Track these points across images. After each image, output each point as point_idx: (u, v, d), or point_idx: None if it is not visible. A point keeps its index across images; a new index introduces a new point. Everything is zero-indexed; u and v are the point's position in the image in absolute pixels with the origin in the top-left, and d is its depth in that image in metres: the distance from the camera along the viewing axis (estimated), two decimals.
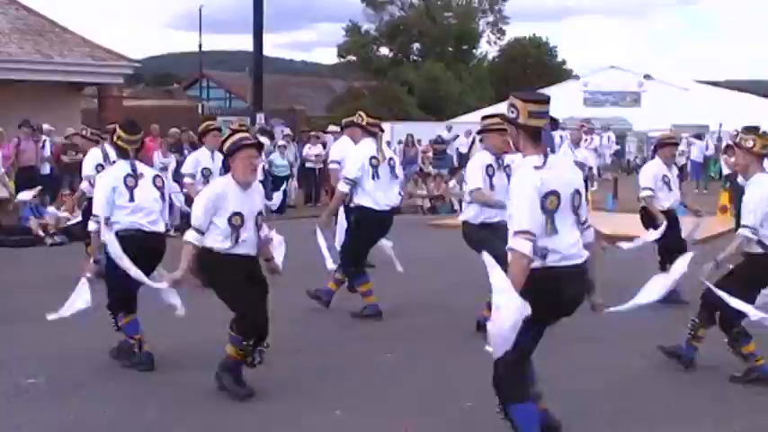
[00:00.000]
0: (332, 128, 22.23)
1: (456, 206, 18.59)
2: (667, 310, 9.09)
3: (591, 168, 14.83)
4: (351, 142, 9.89)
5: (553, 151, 4.75)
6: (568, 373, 6.72)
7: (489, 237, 7.72)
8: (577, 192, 4.85)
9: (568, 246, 4.76)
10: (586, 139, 18.46)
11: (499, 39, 62.38)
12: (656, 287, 5.62)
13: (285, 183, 20.33)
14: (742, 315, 6.32)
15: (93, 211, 6.99)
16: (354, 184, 8.52)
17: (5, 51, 19.52)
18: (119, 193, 6.82)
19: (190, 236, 6.17)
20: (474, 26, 60.49)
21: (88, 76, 21.14)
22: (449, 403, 6.05)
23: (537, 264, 4.66)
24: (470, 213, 7.84)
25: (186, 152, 17.96)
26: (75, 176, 16.01)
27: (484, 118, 8.16)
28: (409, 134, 25.94)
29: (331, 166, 11.56)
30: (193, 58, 60.56)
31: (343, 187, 8.60)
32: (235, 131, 6.50)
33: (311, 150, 21.53)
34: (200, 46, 54.29)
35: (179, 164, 17.30)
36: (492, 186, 7.70)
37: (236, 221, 6.14)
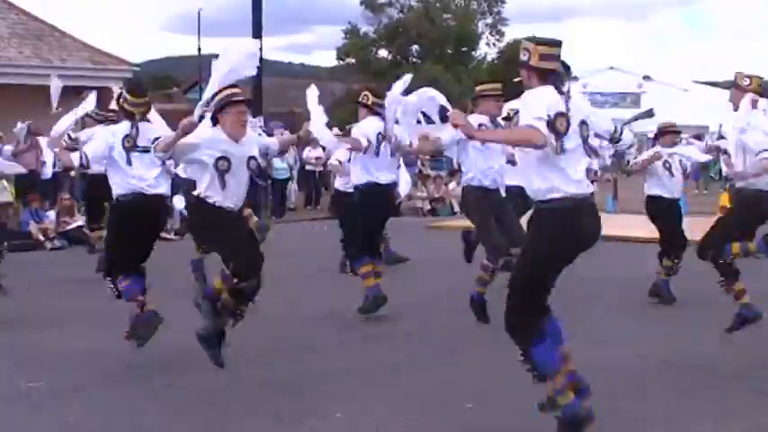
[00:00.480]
0: (334, 131, 22.23)
1: (456, 208, 18.60)
2: (665, 310, 9.13)
3: (596, 173, 14.71)
4: None
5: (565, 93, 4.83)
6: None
7: (487, 211, 7.82)
8: (584, 122, 4.96)
9: (579, 174, 4.86)
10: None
11: (498, 40, 62.33)
12: None
13: (284, 186, 20.41)
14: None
15: (85, 150, 7.06)
16: (370, 142, 8.42)
17: (5, 56, 19.55)
18: (117, 151, 6.83)
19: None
20: (473, 28, 60.43)
21: (87, 80, 21.11)
22: (450, 405, 6.04)
23: (550, 194, 4.78)
24: (470, 176, 7.96)
25: None
26: (75, 180, 16.07)
27: (477, 84, 8.30)
28: None
29: (333, 162, 11.52)
30: (192, 62, 60.44)
31: (363, 140, 8.42)
32: (224, 88, 6.47)
33: (311, 153, 21.54)
34: (198, 49, 54.13)
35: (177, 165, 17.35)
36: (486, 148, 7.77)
37: (221, 165, 6.17)
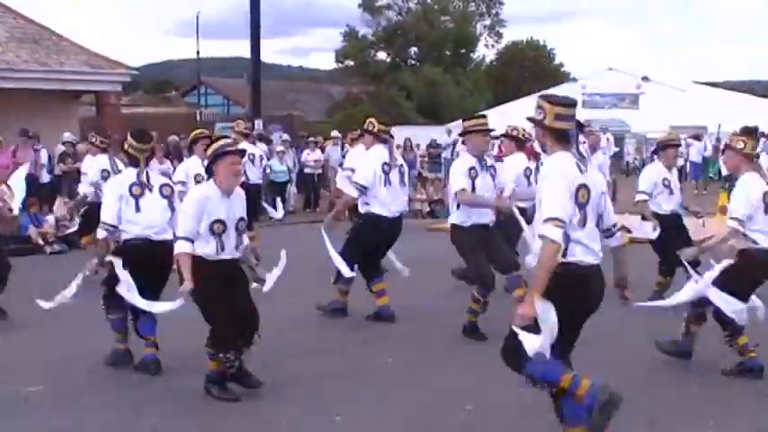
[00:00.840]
0: (334, 133, 22.28)
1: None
2: (666, 311, 9.11)
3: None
4: (363, 149, 9.81)
5: (581, 154, 4.84)
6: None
7: (478, 245, 7.75)
8: (603, 194, 4.97)
9: (592, 243, 4.85)
10: (584, 142, 18.42)
11: (497, 42, 62.42)
12: (687, 292, 6.29)
13: (284, 188, 20.40)
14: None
15: (102, 219, 6.96)
16: (365, 190, 8.48)
17: (3, 60, 19.55)
18: (125, 201, 6.84)
19: (183, 246, 6.13)
20: (471, 30, 60.47)
21: (86, 84, 21.19)
22: (450, 406, 6.04)
23: (563, 259, 4.73)
24: (459, 218, 7.85)
25: (186, 159, 18.01)
26: (74, 184, 16.06)
27: (464, 120, 8.19)
28: (407, 138, 25.95)
29: (344, 173, 11.50)
30: (191, 65, 60.54)
31: (353, 192, 8.57)
32: (217, 138, 6.52)
33: (310, 156, 21.55)
34: (197, 53, 54.18)
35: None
36: (474, 189, 7.74)
37: (217, 229, 6.16)
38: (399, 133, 29.18)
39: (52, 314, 8.94)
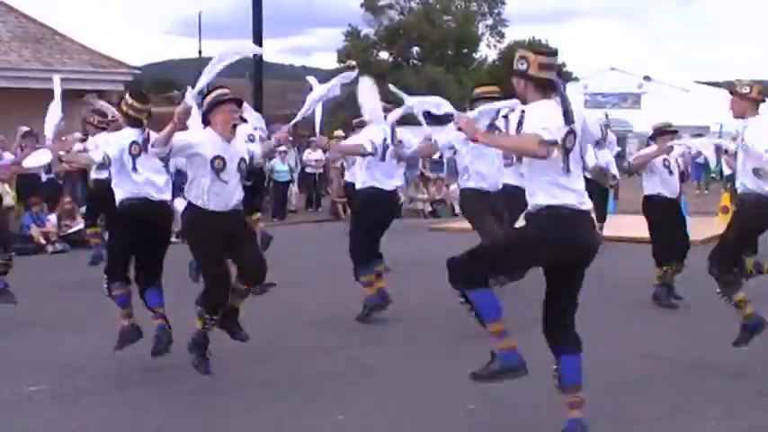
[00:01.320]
0: (338, 133, 22.29)
1: (457, 209, 18.59)
2: (666, 310, 9.13)
3: (615, 177, 14.66)
4: None
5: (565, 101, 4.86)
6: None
7: (484, 211, 7.86)
8: (583, 132, 5.01)
9: (580, 189, 4.88)
10: None
11: (499, 42, 62.42)
12: None
13: (286, 188, 20.41)
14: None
15: (93, 157, 7.18)
16: (374, 146, 8.47)
17: (5, 59, 19.56)
18: (123, 158, 6.87)
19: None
20: (473, 29, 60.50)
21: (88, 84, 21.15)
22: (451, 406, 6.04)
23: (552, 201, 4.79)
24: (466, 178, 8.19)
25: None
26: (76, 184, 16.09)
27: (475, 87, 8.27)
28: (408, 138, 25.89)
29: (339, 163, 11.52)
30: (193, 65, 60.51)
31: (366, 143, 8.53)
32: (214, 88, 6.53)
33: (311, 155, 21.56)
34: (199, 52, 54.27)
35: (178, 170, 17.36)
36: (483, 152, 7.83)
37: (218, 165, 6.23)
38: (401, 133, 29.25)
39: (54, 313, 8.99)
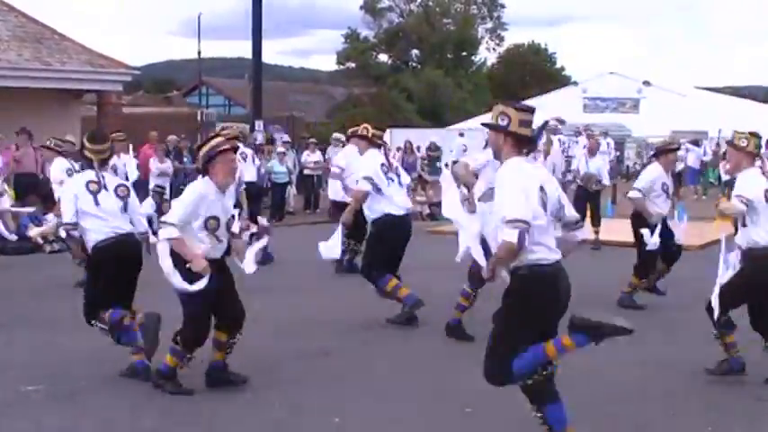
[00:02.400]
0: (336, 135, 22.32)
1: None
2: (665, 315, 9.13)
3: (601, 181, 14.74)
4: (356, 151, 9.79)
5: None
6: (566, 378, 6.71)
7: None
8: (558, 190, 5.10)
9: (551, 242, 4.93)
10: (585, 146, 18.43)
11: (498, 45, 62.55)
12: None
13: (284, 190, 20.41)
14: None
15: (63, 221, 7.02)
16: (373, 183, 8.49)
17: (5, 59, 19.55)
18: (83, 199, 6.80)
19: (172, 232, 6.16)
20: (473, 33, 60.59)
21: (87, 84, 21.18)
22: (449, 409, 6.04)
23: (528, 261, 4.82)
24: None
25: (186, 159, 18.01)
26: None
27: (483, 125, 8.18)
28: (408, 141, 25.95)
29: (333, 170, 11.59)
30: (192, 65, 60.57)
31: (364, 185, 8.54)
32: (211, 137, 6.62)
33: (310, 157, 21.56)
34: (199, 53, 54.20)
35: (176, 171, 17.37)
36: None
37: (211, 225, 6.24)
38: (400, 135, 29.27)
39: (52, 313, 8.98)
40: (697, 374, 6.86)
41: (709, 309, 6.66)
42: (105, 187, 6.87)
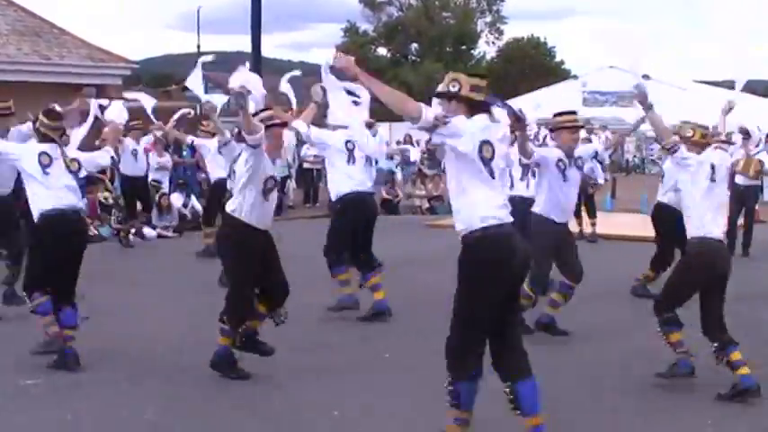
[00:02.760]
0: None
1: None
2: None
3: (596, 183, 14.64)
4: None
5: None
6: (569, 374, 6.72)
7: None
8: (507, 155, 5.27)
9: (501, 204, 4.93)
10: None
11: (497, 39, 62.39)
12: None
13: (283, 183, 20.38)
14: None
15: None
16: (321, 145, 8.78)
17: (3, 53, 19.52)
18: (32, 165, 6.90)
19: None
20: (472, 26, 60.47)
21: (86, 78, 21.11)
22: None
23: (480, 224, 4.85)
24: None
25: (185, 153, 17.97)
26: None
27: (555, 115, 8.05)
28: (407, 134, 25.92)
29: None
30: (191, 59, 60.40)
31: (302, 128, 8.78)
32: (261, 110, 6.79)
33: (309, 151, 21.51)
34: (198, 47, 54.24)
35: (176, 165, 17.32)
36: (565, 178, 7.75)
37: (269, 185, 6.51)
38: (399, 129, 29.24)
39: None
40: (700, 369, 6.84)
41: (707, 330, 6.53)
42: (56, 160, 6.94)
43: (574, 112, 8.26)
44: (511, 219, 4.95)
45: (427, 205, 20.66)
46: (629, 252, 10.72)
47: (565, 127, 7.90)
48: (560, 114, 8.05)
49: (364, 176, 8.66)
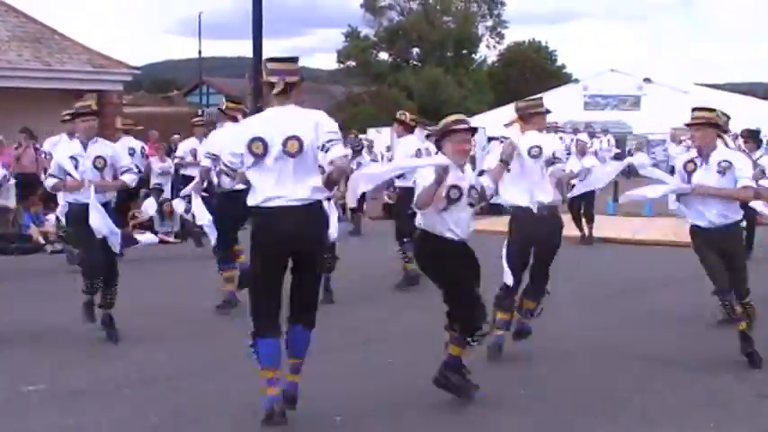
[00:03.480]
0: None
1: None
2: (665, 312, 9.12)
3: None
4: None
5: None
6: (569, 375, 6.71)
7: None
8: (295, 138, 5.40)
9: (274, 188, 5.37)
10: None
11: (498, 43, 62.47)
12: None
13: None
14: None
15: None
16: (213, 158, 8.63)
17: (5, 59, 19.56)
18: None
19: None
20: (473, 30, 60.52)
21: (87, 84, 21.14)
22: (452, 406, 6.03)
23: (256, 202, 5.43)
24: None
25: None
26: None
27: (694, 110, 7.31)
28: None
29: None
30: (193, 65, 60.63)
31: (204, 161, 9.05)
32: (448, 114, 6.47)
33: None
34: (199, 52, 54.32)
35: (177, 169, 17.32)
36: (689, 181, 7.07)
37: (453, 194, 5.95)
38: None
39: (53, 313, 8.98)
40: (699, 370, 6.85)
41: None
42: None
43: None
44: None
45: None
46: (631, 255, 10.72)
47: (699, 124, 7.11)
48: (697, 110, 7.35)
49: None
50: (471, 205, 6.10)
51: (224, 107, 9.42)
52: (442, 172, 5.64)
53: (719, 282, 6.79)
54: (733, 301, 6.70)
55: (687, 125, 7.16)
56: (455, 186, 5.91)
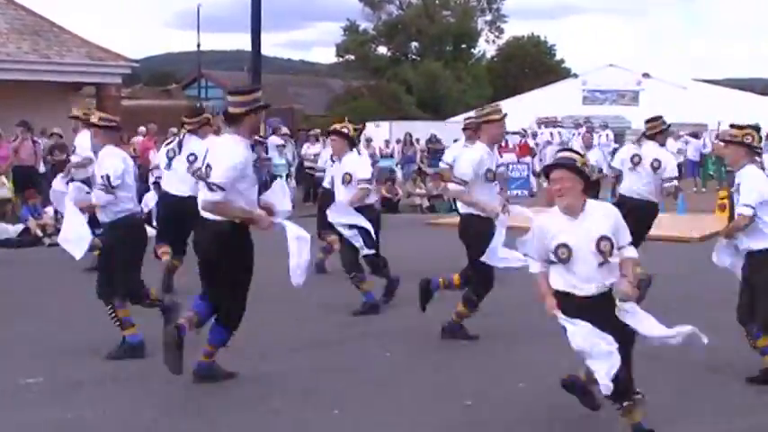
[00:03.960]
0: (335, 127, 22.29)
1: (454, 205, 18.58)
2: (664, 310, 9.12)
3: (601, 170, 14.69)
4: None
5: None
6: (570, 372, 6.71)
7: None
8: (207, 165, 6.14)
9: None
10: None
11: (497, 37, 62.42)
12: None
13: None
14: None
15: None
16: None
17: (3, 51, 19.54)
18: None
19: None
20: (472, 25, 60.46)
21: (86, 76, 21.15)
22: (448, 402, 6.04)
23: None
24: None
25: None
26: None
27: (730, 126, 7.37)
28: (407, 133, 25.92)
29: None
30: (191, 58, 60.55)
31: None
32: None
33: (310, 149, 21.53)
34: (198, 45, 54.29)
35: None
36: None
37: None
38: (399, 128, 29.25)
39: (51, 306, 8.99)
40: (698, 367, 6.85)
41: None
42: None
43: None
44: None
45: (427, 204, 20.66)
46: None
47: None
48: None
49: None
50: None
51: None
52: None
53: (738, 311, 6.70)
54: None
55: (721, 140, 7.16)
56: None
